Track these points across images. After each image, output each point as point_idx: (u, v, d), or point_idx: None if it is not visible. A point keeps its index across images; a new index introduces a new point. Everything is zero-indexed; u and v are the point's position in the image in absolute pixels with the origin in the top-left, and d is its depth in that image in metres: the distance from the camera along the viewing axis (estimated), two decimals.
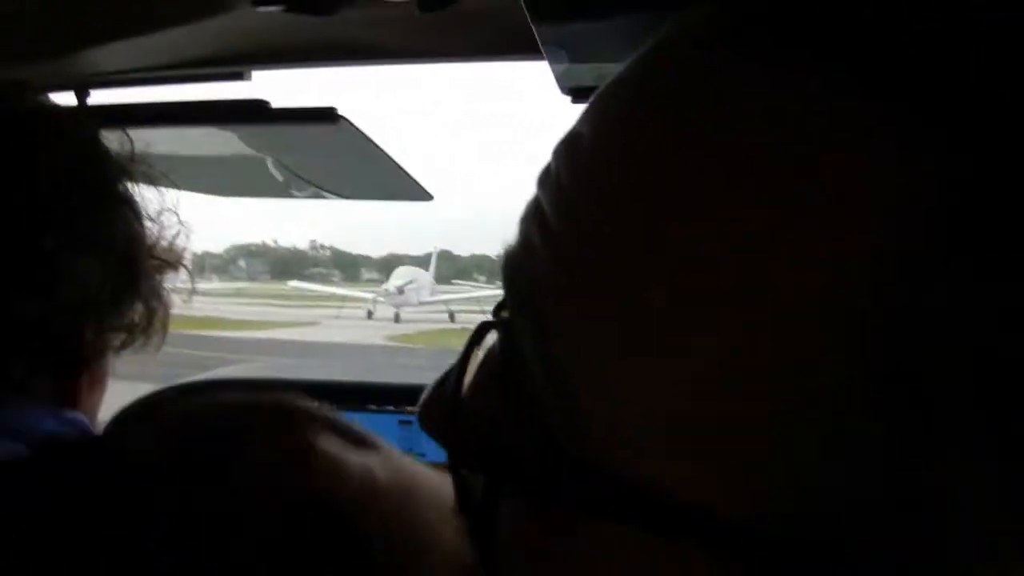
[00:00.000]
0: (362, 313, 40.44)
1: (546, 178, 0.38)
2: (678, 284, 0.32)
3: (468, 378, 0.43)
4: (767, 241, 0.30)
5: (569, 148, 0.38)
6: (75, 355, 0.89)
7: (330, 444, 0.59)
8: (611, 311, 0.34)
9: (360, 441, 0.64)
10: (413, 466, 0.64)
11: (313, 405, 0.65)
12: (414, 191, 1.33)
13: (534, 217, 0.38)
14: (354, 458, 0.60)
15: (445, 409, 0.42)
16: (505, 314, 0.40)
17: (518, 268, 0.39)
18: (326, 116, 0.99)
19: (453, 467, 0.43)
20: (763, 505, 0.31)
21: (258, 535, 0.56)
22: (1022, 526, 0.29)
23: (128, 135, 0.97)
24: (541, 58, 0.91)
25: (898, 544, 0.30)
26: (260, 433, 0.58)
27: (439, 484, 0.65)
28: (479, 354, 0.43)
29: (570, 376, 0.35)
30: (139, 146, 0.97)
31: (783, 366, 0.30)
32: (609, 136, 0.36)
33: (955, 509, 0.29)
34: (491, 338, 0.43)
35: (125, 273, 0.90)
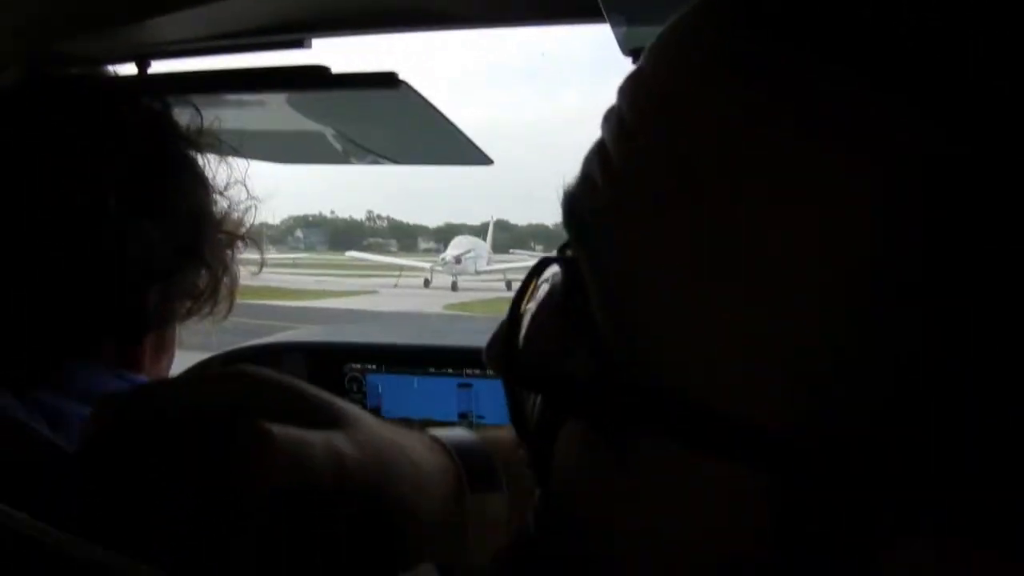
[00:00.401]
0: (419, 282, 40.70)
1: (610, 116, 0.39)
2: (734, 202, 0.33)
3: (531, 311, 0.44)
4: (804, 169, 0.31)
5: (631, 83, 0.39)
6: (140, 319, 0.90)
7: (288, 430, 0.57)
8: (665, 233, 0.34)
9: (324, 415, 0.60)
10: (381, 438, 0.62)
11: (267, 378, 0.60)
12: (474, 155, 1.32)
13: (596, 154, 0.39)
14: (318, 440, 0.58)
15: (506, 337, 0.43)
16: (568, 252, 0.41)
17: (577, 200, 0.40)
18: (387, 81, 0.99)
19: (509, 390, 0.43)
20: (809, 422, 0.31)
21: (231, 535, 0.55)
22: None
23: (197, 109, 0.98)
24: (603, 20, 0.90)
25: (923, 453, 0.30)
26: (213, 430, 0.56)
27: (412, 452, 0.64)
28: (543, 289, 0.44)
29: (625, 299, 0.36)
30: (206, 120, 0.97)
31: (832, 284, 0.30)
32: (668, 71, 0.38)
33: (973, 420, 0.29)
34: (553, 275, 0.44)
35: (190, 239, 0.91)
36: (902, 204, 0.29)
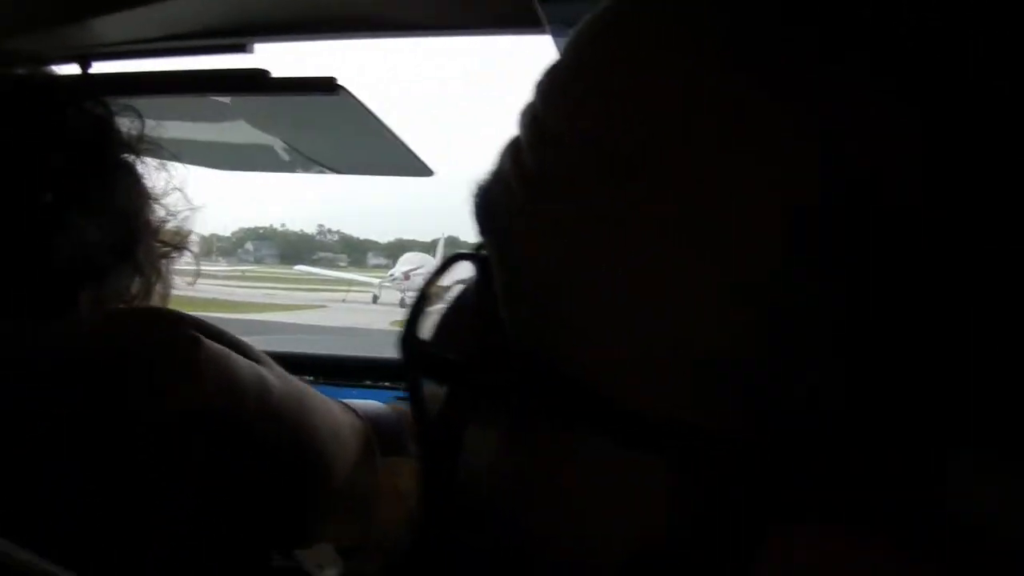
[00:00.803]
0: (368, 297, 40.38)
1: (525, 112, 0.39)
2: (640, 190, 0.33)
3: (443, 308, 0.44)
4: (726, 150, 0.31)
5: (544, 76, 0.39)
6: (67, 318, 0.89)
7: (218, 351, 0.56)
8: (574, 222, 0.34)
9: (243, 351, 0.60)
10: (298, 381, 0.62)
11: (185, 315, 0.59)
12: (415, 167, 1.32)
13: (509, 147, 0.39)
14: (244, 363, 0.57)
15: (410, 322, 0.42)
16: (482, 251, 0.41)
17: (487, 193, 0.40)
18: (326, 86, 0.99)
19: (410, 377, 0.42)
20: (729, 419, 0.31)
21: (155, 450, 0.54)
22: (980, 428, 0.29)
23: (139, 113, 0.97)
24: (543, 32, 0.90)
25: (858, 448, 0.30)
26: (144, 349, 0.55)
27: (326, 402, 0.64)
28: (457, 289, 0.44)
29: (533, 295, 0.36)
30: (147, 124, 0.97)
31: (750, 277, 0.30)
32: (575, 58, 0.38)
33: (913, 412, 0.29)
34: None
35: (123, 241, 0.91)
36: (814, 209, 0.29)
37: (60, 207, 0.83)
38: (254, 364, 0.58)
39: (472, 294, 0.42)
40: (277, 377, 0.59)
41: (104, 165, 0.90)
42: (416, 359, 0.42)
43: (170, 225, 0.99)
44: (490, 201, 0.39)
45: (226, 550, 0.57)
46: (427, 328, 0.43)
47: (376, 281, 43.06)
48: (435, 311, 0.44)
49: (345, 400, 0.69)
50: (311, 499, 0.60)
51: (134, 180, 0.95)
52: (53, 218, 0.82)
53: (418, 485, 0.43)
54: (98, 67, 1.15)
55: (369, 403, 0.70)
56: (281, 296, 41.02)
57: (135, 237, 0.92)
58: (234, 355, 0.56)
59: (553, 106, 0.37)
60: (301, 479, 0.60)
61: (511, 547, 0.40)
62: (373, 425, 0.67)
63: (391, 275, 41.67)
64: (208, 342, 0.54)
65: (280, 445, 0.58)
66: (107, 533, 0.53)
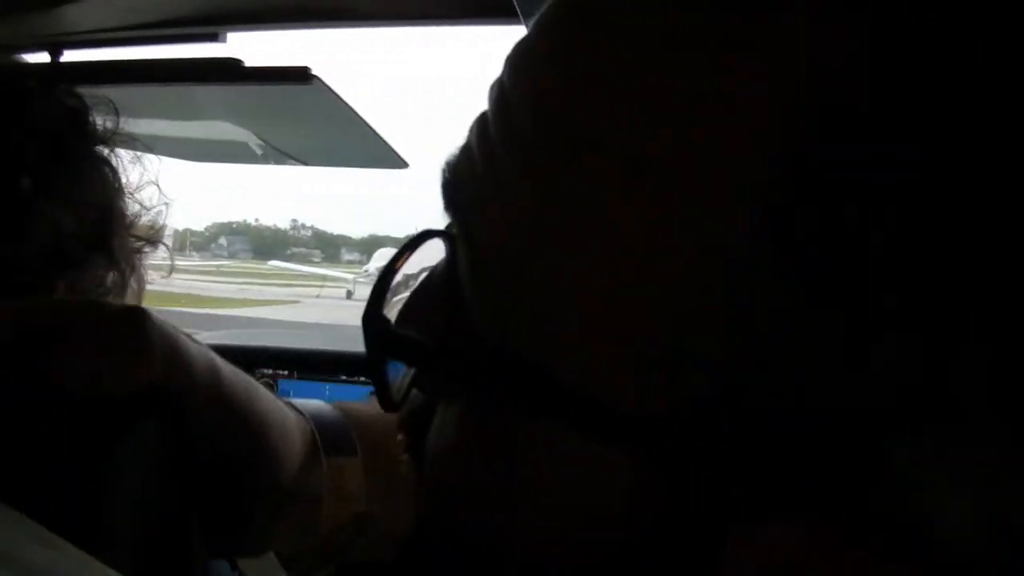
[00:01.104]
0: (342, 293, 40.34)
1: (493, 86, 0.38)
2: (603, 173, 0.32)
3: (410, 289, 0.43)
4: (678, 121, 0.31)
5: (513, 51, 0.38)
6: None
7: (167, 327, 0.55)
8: (537, 204, 0.34)
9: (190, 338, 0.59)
10: (244, 373, 0.61)
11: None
12: (389, 158, 1.32)
13: (477, 121, 0.38)
14: (194, 344, 0.56)
15: (374, 301, 0.40)
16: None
17: (454, 168, 0.39)
18: (299, 76, 0.98)
19: (373, 357, 0.41)
20: (677, 402, 0.31)
21: (98, 430, 0.52)
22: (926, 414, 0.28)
23: (114, 105, 0.96)
24: (519, 22, 0.90)
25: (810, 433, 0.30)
26: (90, 319, 0.54)
27: (270, 398, 0.63)
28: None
29: (495, 274, 0.35)
30: (120, 114, 0.96)
31: (716, 264, 0.30)
32: (542, 36, 0.37)
33: (866, 394, 0.29)
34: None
35: (98, 233, 0.90)
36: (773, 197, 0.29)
37: (34, 194, 0.82)
38: (205, 348, 0.57)
39: (441, 273, 0.41)
40: (226, 365, 0.58)
41: (77, 156, 0.89)
42: (380, 338, 0.40)
43: (144, 219, 0.98)
44: (456, 176, 0.39)
45: (169, 544, 0.56)
46: (395, 310, 0.42)
47: (350, 277, 43.08)
48: (403, 293, 0.43)
49: (287, 399, 0.68)
50: (258, 496, 0.59)
51: (108, 172, 0.94)
52: (27, 205, 0.82)
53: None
54: (69, 55, 1.14)
55: (311, 402, 0.70)
56: (255, 291, 40.94)
57: (109, 228, 0.92)
58: (184, 335, 0.55)
59: (518, 83, 0.36)
60: (250, 473, 0.59)
61: (476, 534, 0.39)
62: (316, 424, 0.66)
63: (365, 270, 41.68)
64: (158, 317, 0.53)
65: (228, 436, 0.57)
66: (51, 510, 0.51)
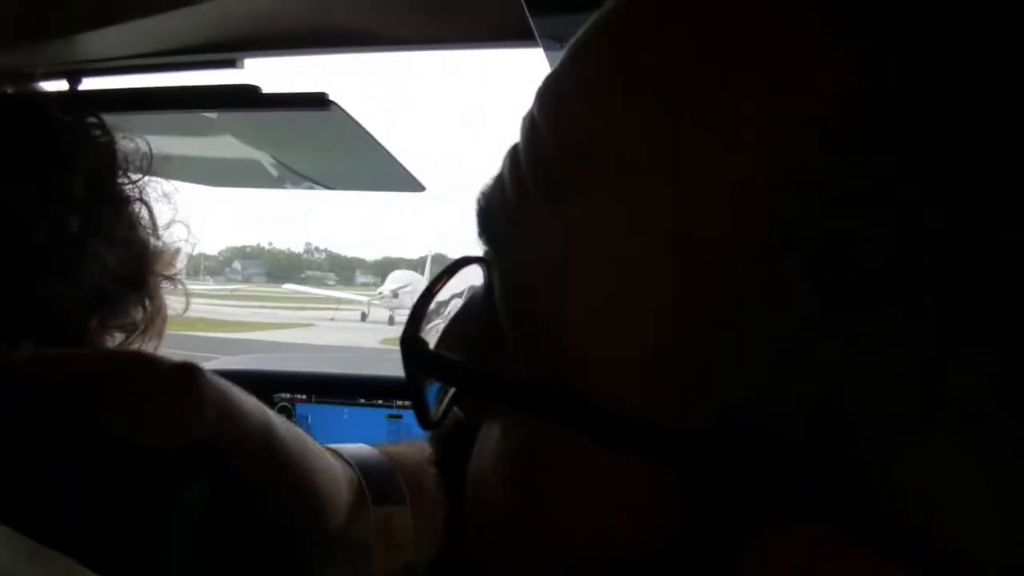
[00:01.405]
0: (357, 315, 40.43)
1: (525, 116, 0.39)
2: (617, 197, 0.33)
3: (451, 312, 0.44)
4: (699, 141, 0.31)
5: (543, 83, 0.39)
6: (76, 344, 0.89)
7: (219, 381, 0.55)
8: (565, 232, 0.35)
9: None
10: (294, 426, 0.62)
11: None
12: (406, 182, 1.33)
13: (509, 152, 0.39)
14: (250, 400, 0.56)
15: (414, 320, 0.41)
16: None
17: (487, 197, 0.40)
18: (317, 102, 0.99)
19: (412, 381, 0.41)
20: (706, 417, 0.31)
21: (152, 483, 0.53)
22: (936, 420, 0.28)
23: (148, 144, 0.97)
24: (536, 45, 0.90)
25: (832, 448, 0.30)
26: (142, 371, 0.54)
27: (320, 451, 0.63)
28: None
29: (528, 300, 0.36)
30: (142, 145, 0.97)
31: (729, 284, 0.30)
32: (567, 68, 0.38)
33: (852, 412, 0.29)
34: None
35: (135, 271, 0.91)
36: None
37: (82, 235, 0.83)
38: (258, 403, 0.57)
39: (480, 297, 0.42)
40: (279, 420, 0.58)
41: (119, 195, 0.90)
42: (419, 359, 0.41)
43: (169, 255, 0.99)
44: (490, 206, 0.40)
45: None
46: (428, 335, 0.43)
47: (365, 299, 43.16)
48: (435, 320, 0.44)
49: (333, 446, 0.68)
50: (308, 548, 0.59)
51: (146, 211, 0.96)
52: (81, 246, 0.82)
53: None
54: (87, 83, 1.15)
55: (357, 448, 0.70)
56: (269, 315, 41.05)
57: (146, 267, 0.93)
58: (237, 389, 0.55)
59: (548, 117, 0.37)
60: (300, 527, 0.59)
61: (517, 558, 0.39)
62: (362, 472, 0.66)
63: (380, 293, 41.78)
64: (209, 372, 0.53)
65: (279, 491, 0.58)
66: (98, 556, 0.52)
